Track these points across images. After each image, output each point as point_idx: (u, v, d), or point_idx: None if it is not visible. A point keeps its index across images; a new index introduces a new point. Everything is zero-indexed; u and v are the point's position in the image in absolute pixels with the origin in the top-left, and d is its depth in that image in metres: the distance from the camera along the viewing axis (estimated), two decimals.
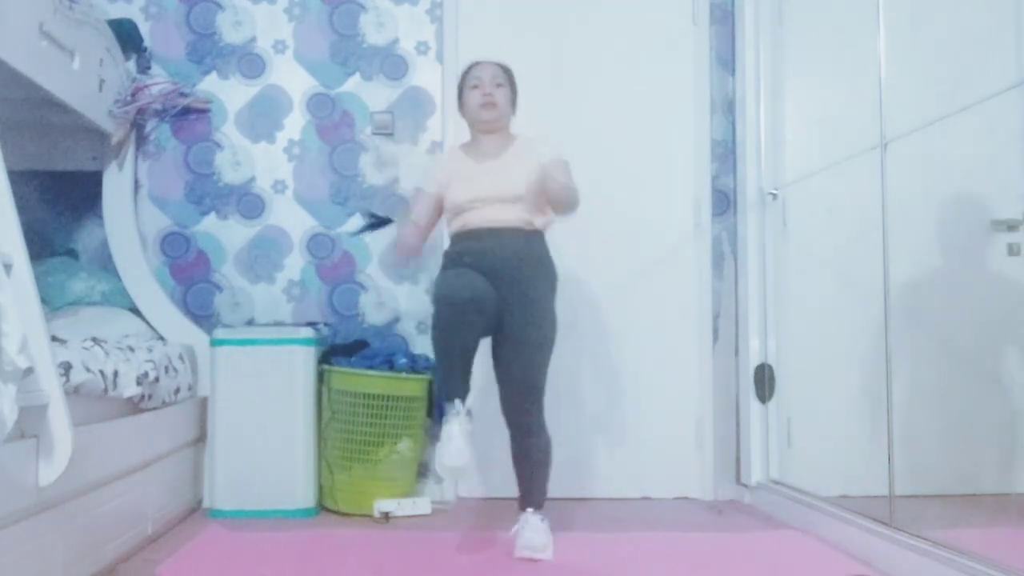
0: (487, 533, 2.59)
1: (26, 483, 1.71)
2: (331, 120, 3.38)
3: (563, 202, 2.42)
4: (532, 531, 2.40)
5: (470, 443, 2.32)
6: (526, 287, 2.43)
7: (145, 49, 3.33)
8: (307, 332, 3.00)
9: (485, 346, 2.45)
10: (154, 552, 2.40)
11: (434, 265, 2.57)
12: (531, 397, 2.43)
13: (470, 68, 2.59)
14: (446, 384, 2.40)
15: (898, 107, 2.39)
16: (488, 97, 2.52)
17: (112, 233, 3.21)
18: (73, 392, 1.96)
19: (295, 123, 3.38)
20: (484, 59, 2.60)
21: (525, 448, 2.46)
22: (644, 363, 3.36)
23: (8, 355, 1.55)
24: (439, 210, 2.60)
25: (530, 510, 2.45)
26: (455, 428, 2.32)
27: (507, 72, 2.60)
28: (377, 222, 2.97)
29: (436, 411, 3.10)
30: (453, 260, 2.49)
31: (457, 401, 2.36)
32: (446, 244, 2.65)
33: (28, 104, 2.62)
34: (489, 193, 2.46)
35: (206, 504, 2.97)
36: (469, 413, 2.39)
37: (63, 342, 2.18)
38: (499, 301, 2.40)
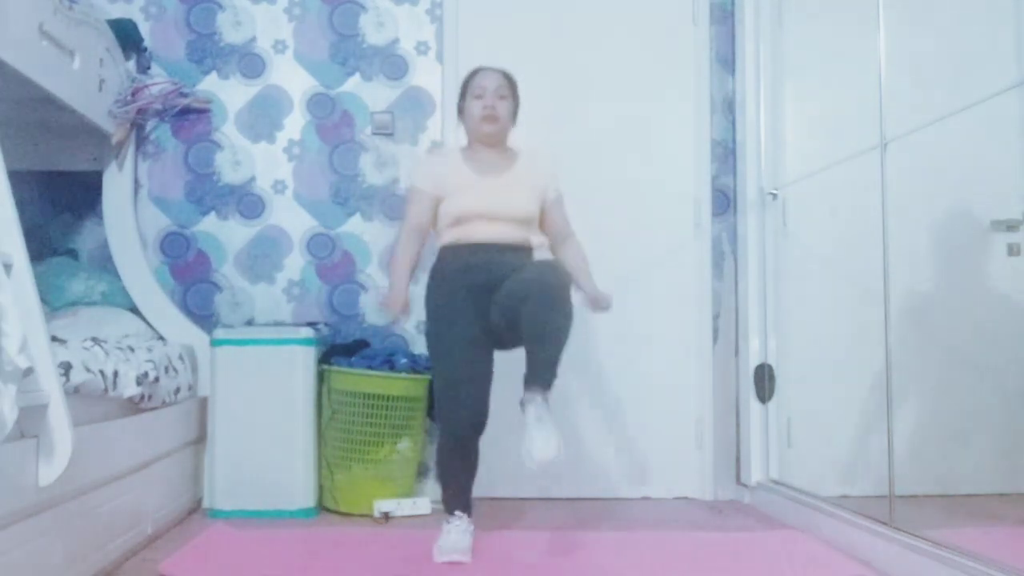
0: (487, 533, 2.59)
1: (26, 483, 1.72)
2: (331, 120, 3.38)
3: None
4: (545, 431, 2.12)
5: (470, 539, 2.39)
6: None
7: (145, 49, 3.33)
8: (307, 332, 3.00)
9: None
10: (154, 552, 2.41)
11: (429, 266, 2.54)
12: (564, 286, 2.19)
13: (473, 75, 2.50)
14: (452, 499, 2.44)
15: (898, 107, 2.39)
16: (490, 110, 2.44)
17: (112, 233, 3.21)
18: (73, 392, 1.96)
19: (295, 123, 3.38)
20: (488, 66, 2.52)
21: (549, 315, 2.15)
22: (644, 363, 3.37)
23: (8, 355, 1.55)
24: (434, 213, 2.48)
25: (539, 398, 2.17)
26: (454, 528, 2.38)
27: (511, 82, 2.51)
28: None
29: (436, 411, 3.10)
30: (445, 279, 2.43)
31: (458, 512, 2.42)
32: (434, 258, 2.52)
33: (28, 104, 2.62)
34: (496, 210, 2.40)
35: (206, 504, 2.97)
36: (470, 521, 2.44)
37: (63, 342, 2.18)
38: (490, 296, 2.33)
